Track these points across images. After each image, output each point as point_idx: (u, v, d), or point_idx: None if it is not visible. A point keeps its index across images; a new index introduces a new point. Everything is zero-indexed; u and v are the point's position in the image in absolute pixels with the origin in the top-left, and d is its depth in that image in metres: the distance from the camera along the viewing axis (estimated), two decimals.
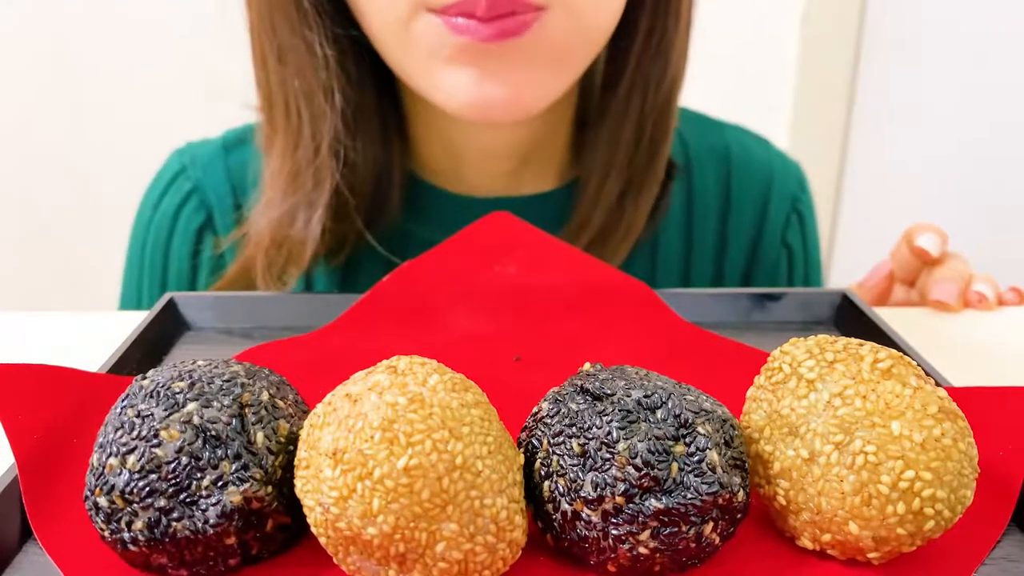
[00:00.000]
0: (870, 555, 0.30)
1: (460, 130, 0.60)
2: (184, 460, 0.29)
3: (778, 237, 0.69)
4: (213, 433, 0.29)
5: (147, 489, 0.28)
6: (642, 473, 0.28)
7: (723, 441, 0.30)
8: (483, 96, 0.50)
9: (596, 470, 0.29)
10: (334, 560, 0.29)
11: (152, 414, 0.29)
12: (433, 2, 0.47)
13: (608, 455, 0.29)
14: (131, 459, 0.29)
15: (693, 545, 0.29)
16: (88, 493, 0.30)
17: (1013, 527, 0.33)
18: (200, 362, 0.32)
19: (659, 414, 0.29)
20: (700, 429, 0.29)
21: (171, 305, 0.50)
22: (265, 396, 0.31)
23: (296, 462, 0.29)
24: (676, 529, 0.28)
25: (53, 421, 0.35)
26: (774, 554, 0.31)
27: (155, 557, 0.29)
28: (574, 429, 0.30)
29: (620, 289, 0.50)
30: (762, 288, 0.55)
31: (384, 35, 0.51)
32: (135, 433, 0.29)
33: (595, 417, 0.29)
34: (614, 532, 0.29)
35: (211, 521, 0.28)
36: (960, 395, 0.36)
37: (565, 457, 0.29)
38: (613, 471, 0.28)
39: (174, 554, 0.29)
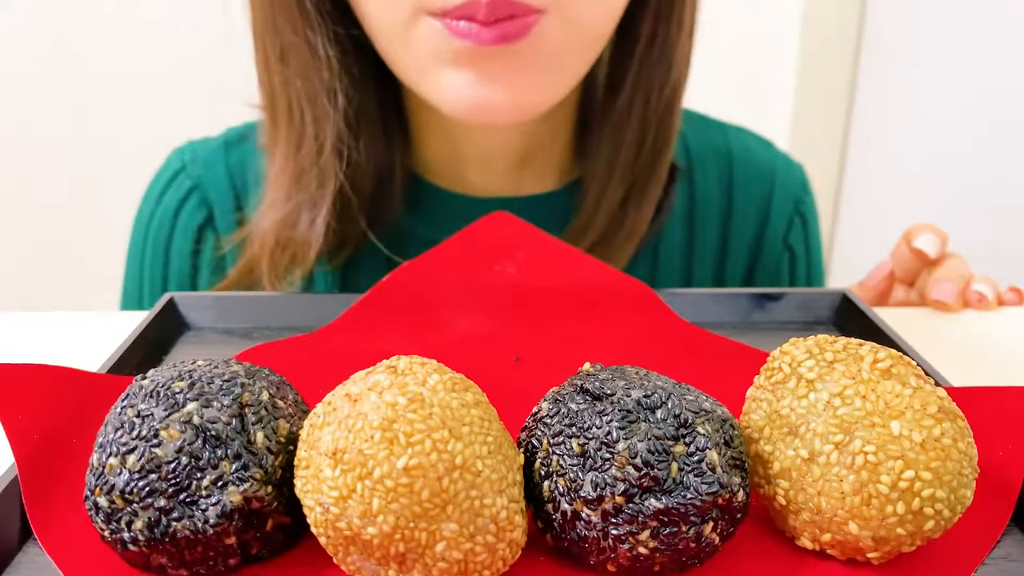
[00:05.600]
0: (870, 555, 0.30)
1: (462, 130, 0.60)
2: (184, 460, 0.29)
3: (780, 239, 0.69)
4: (213, 433, 0.29)
5: (147, 489, 0.28)
6: (642, 473, 0.28)
7: (723, 441, 0.30)
8: (482, 98, 0.50)
9: (596, 470, 0.29)
10: (334, 560, 0.29)
11: (152, 414, 0.29)
12: (433, 6, 0.47)
13: (608, 455, 0.29)
14: (131, 459, 0.29)
15: (693, 545, 0.29)
16: (88, 493, 0.30)
17: (1013, 527, 0.33)
18: (200, 362, 0.32)
19: (659, 414, 0.29)
20: (700, 429, 0.29)
21: (171, 305, 0.50)
22: (265, 396, 0.31)
23: (296, 462, 0.29)
24: (676, 529, 0.29)
25: (53, 421, 0.35)
26: (774, 554, 0.31)
27: (155, 557, 0.29)
28: (574, 429, 0.30)
29: (620, 289, 0.50)
30: (762, 288, 0.55)
31: (385, 37, 0.51)
32: (135, 433, 0.29)
33: (595, 417, 0.29)
34: (614, 532, 0.29)
35: (211, 521, 0.28)
36: (960, 395, 0.36)
37: (565, 457, 0.29)
38: (613, 471, 0.28)
39: (174, 554, 0.29)
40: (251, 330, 0.51)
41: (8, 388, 0.34)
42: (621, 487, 0.28)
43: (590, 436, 0.29)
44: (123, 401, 0.31)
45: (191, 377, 0.31)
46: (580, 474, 0.29)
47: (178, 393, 0.30)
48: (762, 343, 0.46)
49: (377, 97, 0.58)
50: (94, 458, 0.30)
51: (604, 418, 0.29)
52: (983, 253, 0.67)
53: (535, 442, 0.31)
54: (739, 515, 0.30)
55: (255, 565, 0.31)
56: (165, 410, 0.29)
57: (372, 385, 0.29)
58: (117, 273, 0.70)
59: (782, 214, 0.68)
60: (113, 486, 0.29)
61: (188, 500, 0.29)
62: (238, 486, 0.29)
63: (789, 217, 0.69)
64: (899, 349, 0.44)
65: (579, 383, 0.31)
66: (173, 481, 0.28)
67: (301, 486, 0.28)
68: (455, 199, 0.63)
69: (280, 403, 0.32)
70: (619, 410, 0.29)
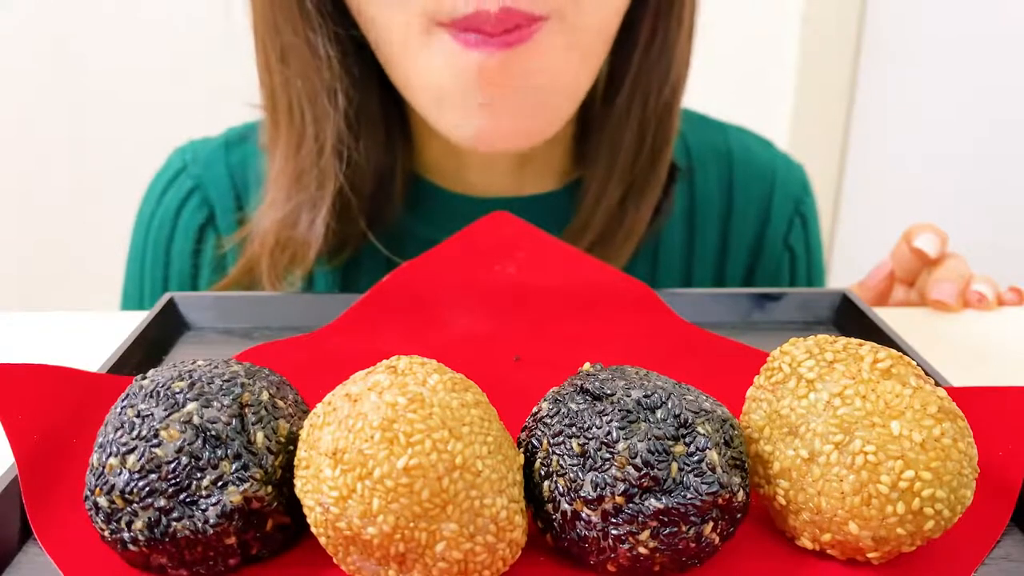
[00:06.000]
0: (870, 555, 0.30)
1: None
2: (184, 460, 0.29)
3: (780, 240, 0.69)
4: (213, 433, 0.29)
5: (147, 489, 0.28)
6: (642, 473, 0.28)
7: (723, 441, 0.30)
8: (490, 129, 0.51)
9: (596, 470, 0.29)
10: (334, 560, 0.29)
11: (152, 414, 0.29)
12: (442, 15, 0.47)
13: (608, 455, 0.29)
14: (131, 459, 0.29)
15: (693, 545, 0.29)
16: (88, 493, 0.30)
17: (1013, 527, 0.33)
18: (200, 362, 0.32)
19: (659, 414, 0.29)
20: (700, 429, 0.29)
21: (171, 305, 0.51)
22: (265, 396, 0.31)
23: (296, 462, 0.29)
24: (676, 529, 0.29)
25: (53, 421, 0.35)
26: (774, 554, 0.31)
27: (155, 557, 0.29)
28: (574, 429, 0.30)
29: (620, 289, 0.50)
30: (762, 288, 0.55)
31: (391, 52, 0.51)
32: (135, 433, 0.29)
33: (595, 417, 0.30)
34: (614, 532, 0.29)
35: (211, 521, 0.28)
36: (960, 395, 0.36)
37: (565, 457, 0.29)
38: (613, 471, 0.28)
39: (174, 554, 0.29)
40: (251, 330, 0.51)
41: (8, 388, 0.34)
42: (621, 487, 0.28)
43: (590, 436, 0.29)
44: (123, 401, 0.31)
45: (191, 377, 0.31)
46: (580, 474, 0.29)
47: (178, 393, 0.30)
48: (762, 343, 0.46)
49: (378, 98, 0.58)
50: (94, 458, 0.30)
51: (604, 418, 0.29)
52: (983, 253, 0.67)
53: (535, 442, 0.31)
54: (739, 515, 0.30)
55: (255, 565, 0.31)
56: (165, 410, 0.29)
57: (372, 385, 0.29)
58: (117, 273, 0.70)
59: (782, 214, 0.68)
60: (113, 486, 0.29)
61: (188, 500, 0.29)
62: (238, 486, 0.29)
63: (789, 217, 0.69)
64: (899, 349, 0.44)
65: (579, 383, 0.31)
66: (173, 481, 0.28)
67: (301, 486, 0.28)
68: (455, 199, 0.63)
69: (280, 403, 0.32)
70: (619, 410, 0.29)
